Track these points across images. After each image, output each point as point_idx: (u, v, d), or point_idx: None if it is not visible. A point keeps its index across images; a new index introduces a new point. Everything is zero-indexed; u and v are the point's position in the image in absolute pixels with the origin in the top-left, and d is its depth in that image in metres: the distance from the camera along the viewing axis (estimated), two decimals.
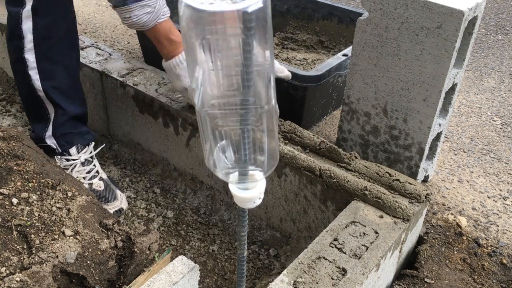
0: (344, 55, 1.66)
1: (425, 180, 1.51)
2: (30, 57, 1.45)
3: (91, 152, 1.65)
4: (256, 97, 0.64)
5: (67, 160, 1.61)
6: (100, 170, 1.67)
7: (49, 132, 1.58)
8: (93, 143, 1.67)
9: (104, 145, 1.74)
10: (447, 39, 1.21)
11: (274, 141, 0.69)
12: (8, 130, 1.32)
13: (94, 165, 1.65)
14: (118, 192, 1.64)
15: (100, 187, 1.61)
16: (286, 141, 1.46)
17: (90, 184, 1.61)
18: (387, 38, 1.30)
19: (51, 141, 1.59)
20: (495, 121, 1.94)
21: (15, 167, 1.18)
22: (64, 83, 1.54)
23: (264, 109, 0.65)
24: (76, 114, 1.60)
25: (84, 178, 1.61)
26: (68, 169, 1.62)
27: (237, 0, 0.57)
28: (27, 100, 1.57)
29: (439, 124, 1.39)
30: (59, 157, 1.62)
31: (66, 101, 1.56)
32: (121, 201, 1.63)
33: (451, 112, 1.42)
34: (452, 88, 1.35)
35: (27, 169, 1.18)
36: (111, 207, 1.59)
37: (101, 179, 1.64)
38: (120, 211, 1.61)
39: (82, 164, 1.62)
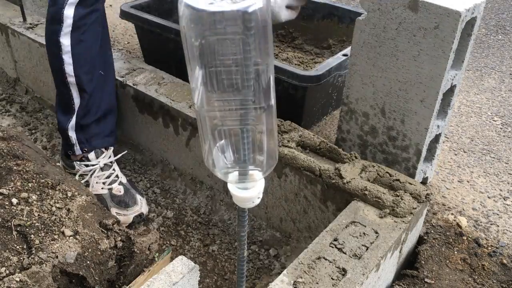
0: (344, 55, 1.65)
1: (424, 182, 1.50)
2: (65, 41, 1.49)
3: (110, 157, 1.65)
4: (256, 97, 0.64)
5: (87, 166, 1.61)
6: (120, 174, 1.66)
7: (72, 122, 1.59)
8: (112, 147, 1.67)
9: (125, 151, 1.74)
10: (444, 40, 1.20)
11: (273, 141, 0.69)
12: (8, 130, 1.33)
13: (114, 169, 1.64)
14: (138, 197, 1.62)
15: (120, 192, 1.60)
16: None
17: (110, 189, 1.60)
18: (385, 38, 1.30)
19: (72, 134, 1.60)
20: (495, 121, 1.94)
21: (14, 167, 1.18)
22: (97, 71, 1.57)
23: (264, 109, 0.65)
24: (104, 109, 1.62)
25: (103, 183, 1.61)
26: (87, 175, 1.62)
27: (237, 0, 0.57)
28: (58, 87, 1.59)
29: (438, 126, 1.38)
30: (78, 163, 1.63)
31: (96, 89, 1.58)
32: (141, 206, 1.60)
33: (450, 114, 1.41)
34: (451, 90, 1.35)
35: (27, 169, 1.18)
36: (131, 212, 1.58)
37: (121, 183, 1.63)
38: (140, 216, 1.60)
39: (102, 169, 1.62)
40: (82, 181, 1.61)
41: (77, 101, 1.57)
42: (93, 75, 1.57)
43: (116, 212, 1.58)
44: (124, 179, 1.66)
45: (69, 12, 1.46)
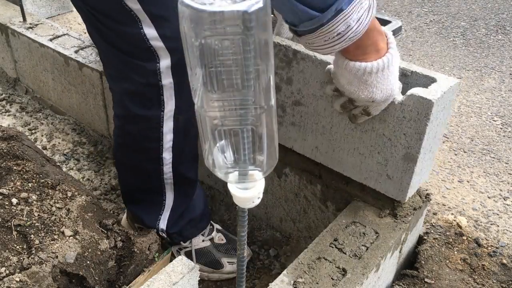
0: None
1: None
2: (167, 155, 1.28)
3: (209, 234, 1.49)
4: (256, 97, 0.64)
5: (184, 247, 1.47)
6: (212, 223, 1.50)
7: (163, 223, 1.37)
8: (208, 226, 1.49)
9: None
10: None
11: (273, 141, 0.69)
12: (8, 130, 1.32)
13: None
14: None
15: (223, 239, 1.47)
16: None
17: (212, 239, 1.46)
18: None
19: (163, 233, 1.38)
20: (495, 121, 1.94)
21: (14, 167, 1.18)
22: (194, 165, 1.39)
23: (264, 109, 0.65)
24: (194, 194, 1.43)
25: (202, 234, 1.45)
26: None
27: (237, 0, 0.57)
28: (143, 186, 1.36)
29: None
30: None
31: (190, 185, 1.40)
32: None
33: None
34: None
35: (27, 169, 1.18)
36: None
37: (218, 230, 1.49)
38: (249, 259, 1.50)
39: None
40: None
41: (169, 196, 1.36)
42: (191, 168, 1.37)
43: (228, 262, 1.44)
44: (217, 225, 1.52)
45: (168, 127, 1.23)
